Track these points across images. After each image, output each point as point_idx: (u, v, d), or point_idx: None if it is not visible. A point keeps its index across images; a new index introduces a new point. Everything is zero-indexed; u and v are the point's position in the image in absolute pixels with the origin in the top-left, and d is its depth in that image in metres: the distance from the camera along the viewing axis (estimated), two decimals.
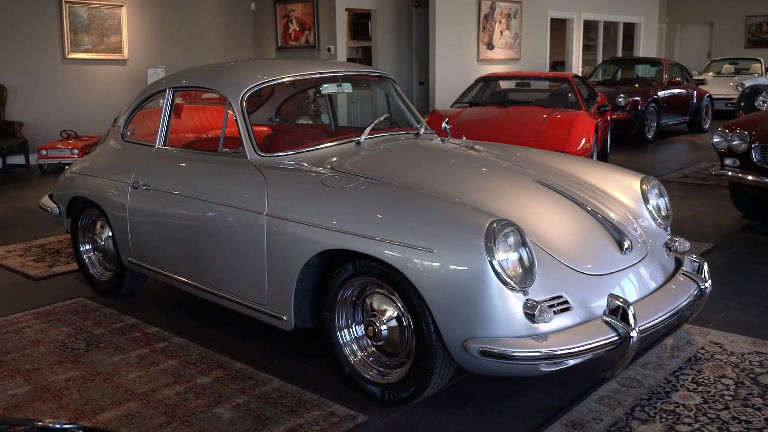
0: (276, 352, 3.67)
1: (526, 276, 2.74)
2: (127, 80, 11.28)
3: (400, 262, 2.81)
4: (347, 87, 4.19)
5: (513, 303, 2.69)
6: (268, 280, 3.33)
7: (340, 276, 3.10)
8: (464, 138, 4.60)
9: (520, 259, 2.76)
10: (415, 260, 2.77)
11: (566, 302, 2.82)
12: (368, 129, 3.87)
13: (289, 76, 3.99)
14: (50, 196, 5.03)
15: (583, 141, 7.26)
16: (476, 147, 4.17)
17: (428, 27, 12.36)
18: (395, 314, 3.03)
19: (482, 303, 2.69)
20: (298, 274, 3.18)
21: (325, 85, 4.13)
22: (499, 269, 2.67)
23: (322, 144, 3.77)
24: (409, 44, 13.30)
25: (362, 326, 3.17)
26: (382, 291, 3.06)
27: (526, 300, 2.71)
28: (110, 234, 4.42)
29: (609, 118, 9.57)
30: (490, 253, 2.67)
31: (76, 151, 9.49)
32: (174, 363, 3.53)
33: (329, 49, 11.83)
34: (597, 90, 10.22)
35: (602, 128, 8.69)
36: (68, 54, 10.64)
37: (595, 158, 7.96)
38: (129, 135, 4.49)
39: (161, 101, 4.20)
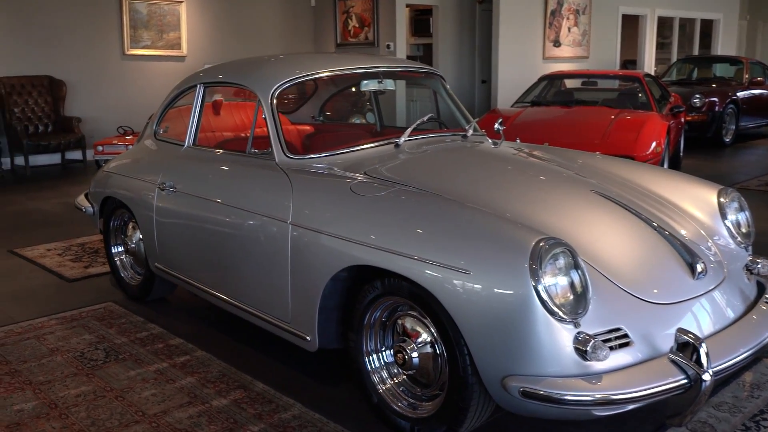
0: (301, 371, 3.37)
1: (577, 304, 2.35)
2: (185, 76, 11.22)
3: (432, 282, 2.46)
4: (389, 84, 3.85)
5: (561, 336, 2.30)
6: (292, 295, 3.02)
7: (368, 294, 2.77)
8: (518, 140, 4.20)
9: (571, 284, 2.36)
10: (450, 282, 2.41)
11: (626, 336, 2.42)
12: (409, 130, 3.52)
13: (324, 72, 3.67)
14: (86, 195, 4.86)
15: (654, 144, 6.72)
16: (530, 151, 3.77)
17: (491, 23, 11.91)
18: (428, 339, 2.68)
19: (524, 335, 2.31)
20: (323, 289, 2.86)
21: (365, 82, 3.80)
22: (545, 296, 2.29)
23: (357, 146, 3.44)
24: (471, 41, 12.88)
25: (392, 351, 2.83)
26: (414, 313, 2.71)
27: (578, 333, 2.31)
28: (141, 237, 4.21)
29: (683, 119, 8.95)
30: (536, 276, 2.29)
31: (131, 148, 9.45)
32: (192, 381, 3.27)
33: (388, 46, 11.52)
34: (670, 90, 9.60)
35: (675, 131, 8.10)
36: (127, 50, 10.65)
37: (666, 163, 7.39)
38: (162, 133, 4.27)
39: (195, 96, 3.95)
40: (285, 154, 3.30)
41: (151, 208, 3.88)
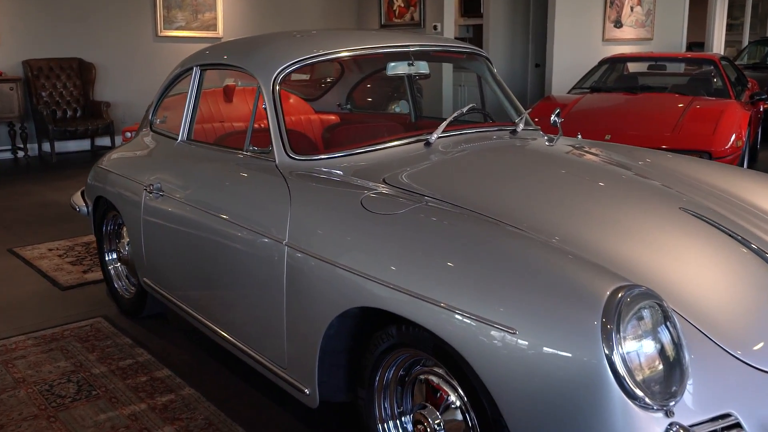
0: (304, 422, 2.73)
1: (669, 381, 1.65)
2: None
3: (462, 340, 1.78)
4: (423, 67, 3.14)
5: (647, 428, 1.60)
6: (288, 335, 2.38)
7: (381, 344, 2.11)
8: (580, 136, 3.46)
9: (661, 350, 1.66)
10: (486, 341, 1.73)
11: (737, 425, 1.70)
12: (444, 124, 2.83)
13: (340, 52, 2.99)
14: (83, 193, 4.31)
15: (733, 138, 5.86)
16: (597, 151, 3.04)
17: (547, 2, 11.03)
18: (457, 404, 2.01)
19: (592, 425, 1.61)
20: (325, 330, 2.21)
21: (392, 64, 3.09)
22: (623, 369, 1.59)
23: (377, 144, 2.76)
24: (525, 22, 12.02)
25: (412, 418, 2.17)
26: (439, 371, 2.04)
27: (670, 425, 1.61)
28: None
29: (761, 108, 7.99)
30: (611, 341, 1.59)
31: None
32: (171, 431, 2.66)
33: (435, 27, 10.76)
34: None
35: (755, 122, 7.19)
36: (160, 31, 10.15)
37: (746, 161, 6.51)
38: (158, 123, 3.66)
39: (191, 80, 3.32)
40: (287, 154, 2.65)
41: (138, 214, 3.29)
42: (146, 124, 3.77)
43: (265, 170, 2.66)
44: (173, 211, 3.00)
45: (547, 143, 3.08)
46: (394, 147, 2.75)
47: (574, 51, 11.10)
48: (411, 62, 3.08)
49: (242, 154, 2.85)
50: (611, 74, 8.22)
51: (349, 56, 3.04)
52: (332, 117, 4.33)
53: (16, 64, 9.04)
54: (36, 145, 9.24)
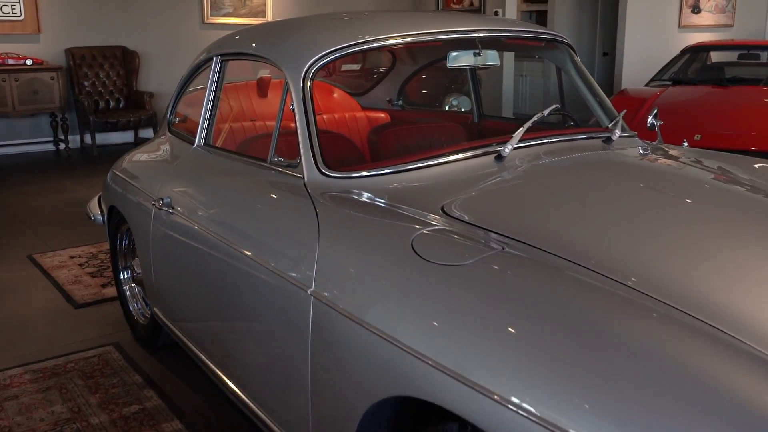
0: None
1: None
2: None
3: None
4: (492, 58, 2.51)
5: None
6: (313, 412, 1.81)
7: None
8: (686, 144, 2.79)
9: None
10: None
11: None
12: (521, 131, 2.19)
13: (390, 39, 2.37)
14: (99, 198, 3.83)
15: None
16: (719, 166, 2.36)
17: None
18: None
19: None
20: (360, 418, 1.63)
21: (454, 54, 2.46)
22: None
23: (434, 157, 2.15)
24: (593, 7, 11.19)
25: None
26: None
27: None
28: None
29: None
30: None
31: None
32: None
33: (496, 13, 10.04)
34: None
35: None
36: (207, 18, 9.71)
37: None
38: (177, 123, 3.13)
39: (210, 73, 2.77)
40: (318, 170, 2.07)
41: (147, 232, 2.76)
42: (165, 124, 3.24)
43: (291, 190, 2.09)
44: (183, 233, 2.46)
45: (654, 156, 2.42)
46: (457, 162, 2.14)
47: (648, 39, 10.24)
48: (478, 52, 2.46)
49: (265, 167, 2.28)
50: (692, 65, 7.41)
51: (401, 44, 2.43)
52: (381, 115, 3.74)
53: (57, 52, 8.71)
54: (78, 137, 8.91)
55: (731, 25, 11.61)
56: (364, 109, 3.92)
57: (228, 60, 2.71)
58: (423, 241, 1.61)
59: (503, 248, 1.54)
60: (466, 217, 1.76)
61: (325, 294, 1.71)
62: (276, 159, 2.24)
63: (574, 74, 2.84)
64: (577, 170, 2.15)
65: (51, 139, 8.72)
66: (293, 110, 2.20)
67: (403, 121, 3.32)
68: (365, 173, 2.07)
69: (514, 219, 1.75)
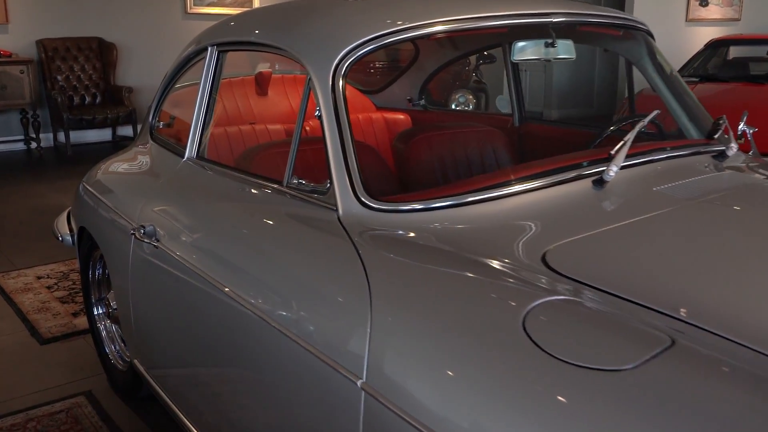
0: None
1: None
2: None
3: None
4: (566, 50, 1.95)
5: None
6: None
7: None
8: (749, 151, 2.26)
9: None
10: None
11: None
12: (624, 148, 1.64)
13: (445, 24, 1.81)
14: (69, 215, 3.24)
15: None
16: None
17: None
18: None
19: None
20: None
21: (520, 44, 1.91)
22: None
23: (511, 183, 1.60)
24: (596, 1, 10.68)
25: None
26: None
27: None
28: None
29: None
30: None
31: None
32: None
33: None
34: None
35: None
36: (190, 7, 9.09)
37: None
38: (161, 128, 2.57)
39: (204, 66, 2.20)
40: (358, 199, 1.52)
41: (124, 267, 2.20)
42: (146, 129, 2.67)
43: (320, 226, 1.54)
44: (171, 276, 1.90)
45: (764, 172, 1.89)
46: (542, 189, 1.59)
47: (655, 32, 9.75)
48: (552, 41, 1.91)
49: (281, 191, 1.72)
50: (712, 60, 6.93)
51: (456, 31, 1.87)
52: (400, 116, 3.21)
53: (28, 44, 8.05)
54: (51, 135, 8.26)
55: (738, 20, 11.18)
56: (379, 109, 3.38)
57: (227, 51, 2.14)
58: (542, 321, 1.07)
59: (673, 340, 1.01)
60: (587, 277, 1.22)
61: (386, 391, 1.17)
62: (295, 181, 1.69)
63: (651, 69, 2.31)
64: (709, 204, 1.60)
65: (21, 137, 8.07)
66: (320, 117, 1.64)
67: (434, 126, 2.77)
68: (420, 205, 1.52)
69: (660, 282, 1.21)
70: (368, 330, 1.23)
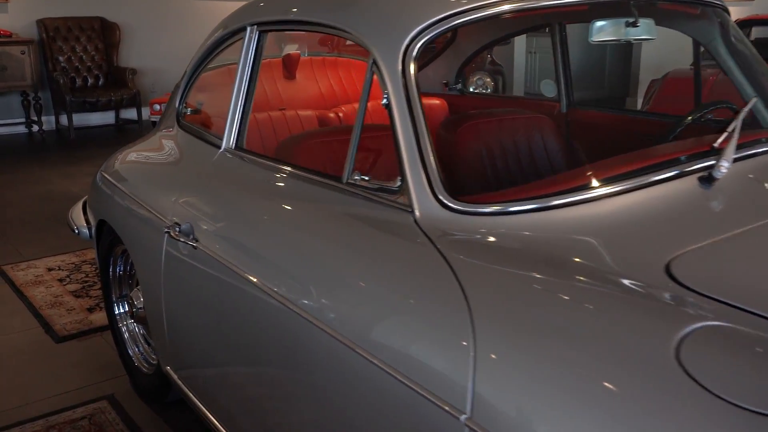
0: None
1: None
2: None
3: None
4: (648, 30, 1.77)
5: None
6: None
7: None
8: None
9: None
10: None
11: None
12: (733, 139, 1.47)
13: (517, 1, 1.61)
14: (84, 206, 3.05)
15: None
16: None
17: None
18: None
19: None
20: None
21: (599, 24, 1.72)
22: None
23: (607, 183, 1.40)
24: None
25: None
26: None
27: None
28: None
29: None
30: None
31: None
32: None
33: None
34: None
35: None
36: None
37: None
38: (188, 115, 2.38)
39: (242, 48, 2.00)
40: (437, 199, 1.35)
41: (155, 266, 2.02)
42: (171, 115, 2.48)
43: (395, 230, 1.36)
44: (213, 277, 1.72)
45: None
46: (634, 188, 1.40)
47: None
48: (635, 20, 1.73)
49: (340, 188, 1.55)
50: None
51: (540, 9, 1.68)
52: (435, 101, 3.02)
53: (28, 23, 7.81)
54: (53, 118, 8.04)
55: (750, 0, 10.94)
56: None
57: (269, 31, 1.95)
58: (699, 352, 0.90)
59: None
60: (728, 296, 1.05)
61: (495, 427, 0.99)
62: (357, 177, 1.51)
63: (723, 51, 2.12)
64: None
65: (23, 120, 7.85)
66: (387, 106, 1.46)
67: (482, 113, 2.58)
68: (506, 207, 1.34)
69: None
70: (472, 354, 1.06)
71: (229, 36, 2.09)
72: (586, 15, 1.74)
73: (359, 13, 1.61)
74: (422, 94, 3.20)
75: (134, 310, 2.50)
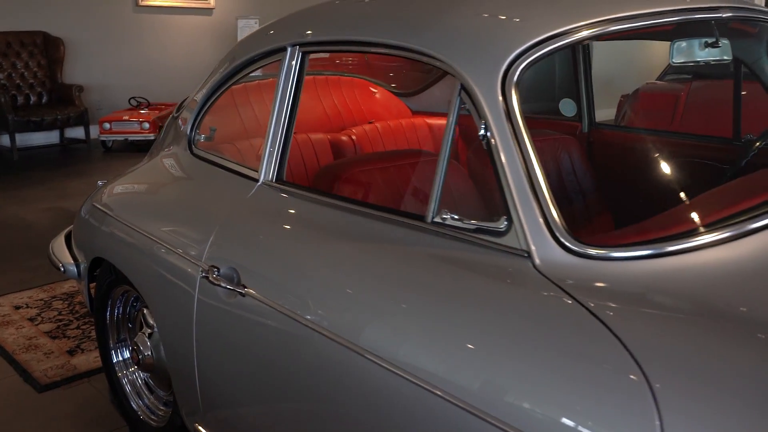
0: None
1: None
2: (213, 34, 9.10)
3: None
4: (726, 51, 1.66)
5: None
6: None
7: None
8: None
9: None
10: None
11: None
12: None
13: (623, 22, 1.45)
14: (68, 238, 2.78)
15: None
16: None
17: None
18: None
19: None
20: None
21: (681, 44, 1.62)
22: None
23: (749, 216, 1.29)
24: None
25: None
26: None
27: None
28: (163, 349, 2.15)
29: None
30: None
31: (147, 125, 7.40)
32: None
33: None
34: None
35: None
36: (142, 0, 8.49)
37: None
38: (202, 142, 2.16)
39: (282, 71, 1.81)
40: (558, 242, 1.20)
41: (185, 313, 1.80)
42: (179, 140, 2.25)
43: (508, 278, 1.21)
44: (273, 329, 1.52)
45: None
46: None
47: None
48: (715, 41, 1.63)
49: (425, 229, 1.38)
50: None
51: (633, 29, 1.54)
52: (444, 122, 2.87)
53: None
54: None
55: None
56: (415, 113, 3.05)
57: (315, 52, 1.77)
58: None
59: None
60: None
61: None
62: (447, 216, 1.34)
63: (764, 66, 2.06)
64: None
65: None
66: (485, 139, 1.31)
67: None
68: (644, 251, 1.20)
69: None
70: (657, 424, 0.91)
71: (260, 57, 1.89)
72: (669, 34, 1.63)
73: (444, 34, 1.44)
74: (428, 113, 3.05)
75: (141, 356, 2.27)
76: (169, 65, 8.75)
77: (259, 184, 1.78)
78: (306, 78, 2.85)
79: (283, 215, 1.67)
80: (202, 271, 1.71)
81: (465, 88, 1.36)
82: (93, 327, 3.24)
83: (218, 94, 2.08)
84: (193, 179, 2.07)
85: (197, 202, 1.95)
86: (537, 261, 1.20)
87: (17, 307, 3.50)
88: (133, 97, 7.96)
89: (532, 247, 1.21)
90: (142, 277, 2.03)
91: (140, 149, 7.59)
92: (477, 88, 1.33)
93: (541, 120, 2.91)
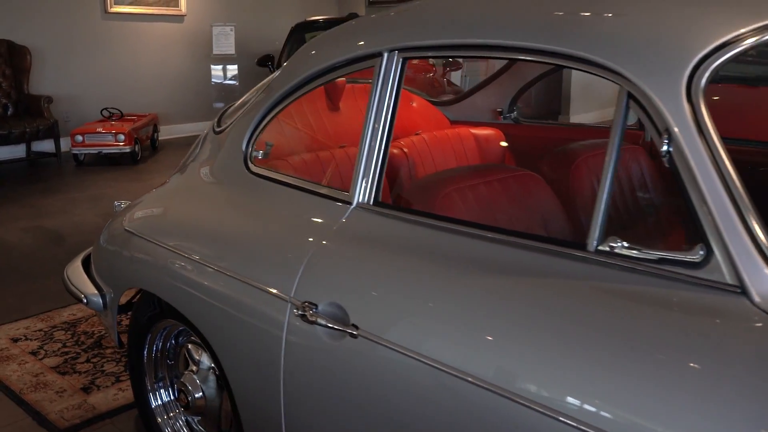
0: None
1: None
2: (186, 41, 8.80)
3: None
4: None
5: None
6: None
7: None
8: None
9: None
10: None
11: None
12: None
13: None
14: (86, 264, 2.52)
15: None
16: None
17: None
18: None
19: None
20: None
21: None
22: None
23: None
24: None
25: None
26: None
27: None
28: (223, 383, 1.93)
29: None
30: None
31: (122, 137, 7.07)
32: None
33: None
34: None
35: None
36: (110, 7, 8.16)
37: None
38: (260, 159, 1.94)
39: (379, 78, 1.60)
40: None
41: (269, 356, 1.57)
42: (230, 156, 2.02)
43: (718, 318, 1.03)
44: (401, 377, 1.32)
45: None
46: None
47: None
48: None
49: (586, 259, 1.20)
50: None
51: None
52: (489, 132, 2.72)
53: None
54: None
55: None
56: (453, 123, 2.88)
57: (417, 57, 1.56)
58: None
59: None
60: None
61: None
62: (618, 245, 1.16)
63: None
64: None
65: None
66: (668, 155, 1.13)
67: (582, 146, 2.27)
68: None
69: None
70: None
71: (345, 64, 1.68)
72: None
73: (608, 34, 1.26)
74: (468, 123, 2.86)
75: (189, 399, 2.03)
76: (141, 74, 8.42)
77: (353, 207, 1.57)
78: (346, 86, 2.66)
79: (393, 243, 1.46)
80: (294, 309, 1.49)
81: (635, 97, 1.18)
82: (104, 360, 2.98)
83: (283, 105, 1.86)
84: (259, 201, 1.84)
85: (273, 227, 1.73)
86: (756, 298, 1.03)
87: (15, 340, 3.20)
88: (105, 108, 7.61)
89: (747, 281, 1.04)
90: (203, 313, 1.79)
91: (114, 163, 7.25)
92: (657, 97, 1.15)
93: (594, 128, 2.76)
